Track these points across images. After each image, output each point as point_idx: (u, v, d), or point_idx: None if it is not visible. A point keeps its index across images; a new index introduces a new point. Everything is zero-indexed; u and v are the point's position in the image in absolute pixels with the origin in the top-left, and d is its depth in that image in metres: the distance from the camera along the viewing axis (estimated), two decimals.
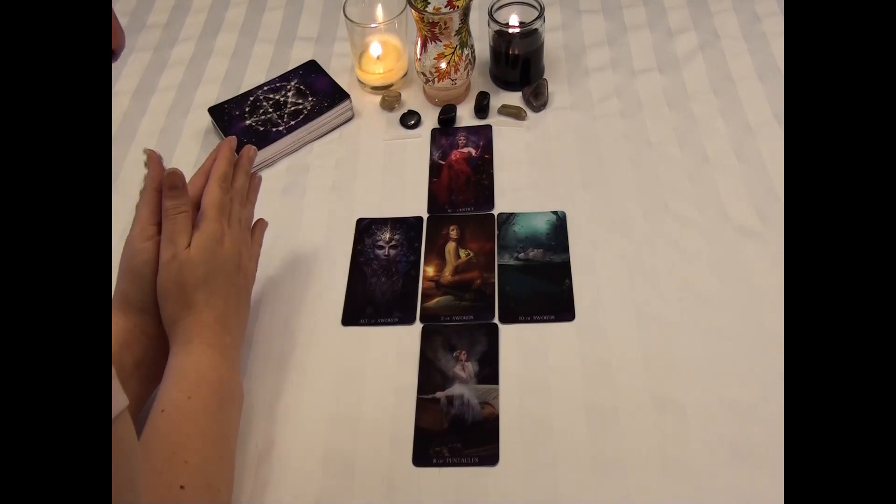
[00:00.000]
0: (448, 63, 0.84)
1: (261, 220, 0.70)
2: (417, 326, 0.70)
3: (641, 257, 0.73)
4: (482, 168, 0.82)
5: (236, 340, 0.61)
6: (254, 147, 0.69)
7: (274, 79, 0.92)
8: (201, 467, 0.52)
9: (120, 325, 0.58)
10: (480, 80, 0.92)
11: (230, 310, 0.61)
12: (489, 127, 0.87)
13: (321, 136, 0.88)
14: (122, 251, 0.60)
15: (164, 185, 0.59)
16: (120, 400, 0.34)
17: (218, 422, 0.56)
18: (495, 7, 0.88)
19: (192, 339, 0.57)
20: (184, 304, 0.58)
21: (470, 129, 0.87)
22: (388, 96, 0.90)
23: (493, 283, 0.72)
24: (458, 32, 0.82)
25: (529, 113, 0.88)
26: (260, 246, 0.69)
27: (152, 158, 0.60)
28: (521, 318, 0.69)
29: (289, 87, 0.90)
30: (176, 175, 0.59)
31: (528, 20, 0.85)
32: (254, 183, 0.69)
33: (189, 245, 0.59)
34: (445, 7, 0.82)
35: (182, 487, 0.50)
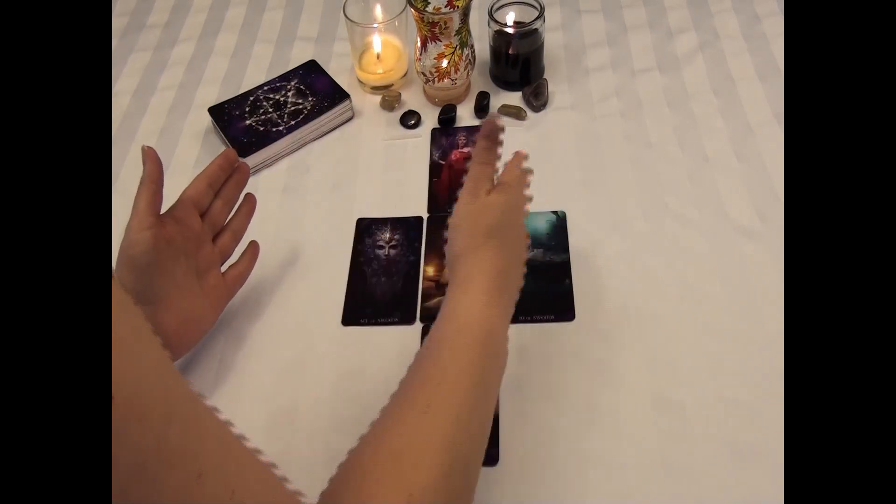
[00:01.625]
0: (448, 63, 0.84)
1: (253, 243, 0.71)
2: (417, 326, 0.70)
3: (641, 257, 0.73)
4: None
5: (510, 305, 0.58)
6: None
7: (274, 79, 0.92)
8: (452, 394, 0.49)
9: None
10: (480, 80, 0.92)
11: (511, 269, 0.59)
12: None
13: (321, 136, 0.88)
14: (120, 242, 0.60)
15: (484, 129, 0.60)
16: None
17: (480, 367, 0.52)
18: (495, 7, 0.88)
19: (470, 284, 0.55)
20: (471, 245, 0.57)
21: (470, 129, 0.87)
22: (388, 96, 0.90)
23: None
24: (458, 32, 0.82)
25: (529, 113, 0.88)
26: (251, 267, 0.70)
27: (149, 155, 0.61)
28: (521, 318, 0.69)
29: (289, 87, 0.90)
30: (498, 124, 0.60)
31: (527, 20, 0.85)
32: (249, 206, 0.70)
33: (490, 193, 0.59)
34: (445, 7, 0.82)
35: (427, 406, 0.48)
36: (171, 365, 0.37)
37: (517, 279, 0.60)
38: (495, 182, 0.61)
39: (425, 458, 0.45)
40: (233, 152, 0.68)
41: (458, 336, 0.53)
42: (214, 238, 0.67)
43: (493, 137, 0.60)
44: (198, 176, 0.66)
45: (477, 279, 0.56)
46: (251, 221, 0.70)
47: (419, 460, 0.45)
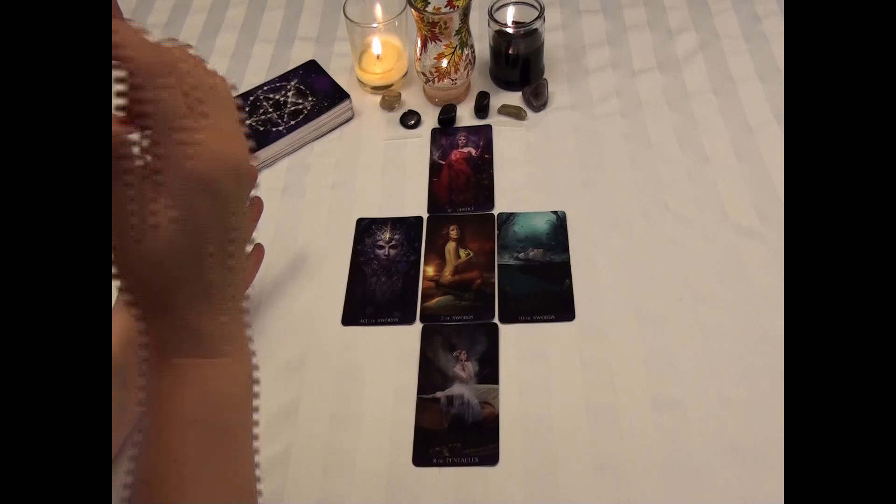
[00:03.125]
0: (448, 63, 0.84)
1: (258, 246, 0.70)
2: (417, 326, 0.70)
3: (641, 257, 0.73)
4: (482, 168, 0.82)
5: (236, 304, 0.46)
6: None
7: (274, 79, 0.92)
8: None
9: (123, 323, 0.58)
10: (480, 80, 0.92)
11: (183, 315, 0.41)
12: (489, 127, 0.87)
13: (321, 136, 0.88)
14: None
15: None
16: None
17: (225, 459, 0.41)
18: (495, 7, 0.88)
19: (155, 374, 0.40)
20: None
21: (470, 129, 0.87)
22: (388, 96, 0.90)
23: (493, 282, 0.72)
24: (458, 32, 0.82)
25: (529, 113, 0.88)
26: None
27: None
28: (521, 317, 0.69)
29: (289, 87, 0.90)
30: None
31: (528, 20, 0.85)
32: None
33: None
34: (445, 7, 0.82)
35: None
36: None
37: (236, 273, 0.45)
38: None
39: None
40: None
41: (183, 466, 0.39)
42: None
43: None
44: None
45: (158, 366, 0.40)
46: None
47: None
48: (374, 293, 0.73)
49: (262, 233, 0.71)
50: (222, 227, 0.39)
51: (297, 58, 0.96)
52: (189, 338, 0.40)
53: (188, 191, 0.37)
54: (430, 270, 0.74)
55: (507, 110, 0.88)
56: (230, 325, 0.44)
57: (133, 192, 0.36)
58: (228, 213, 0.39)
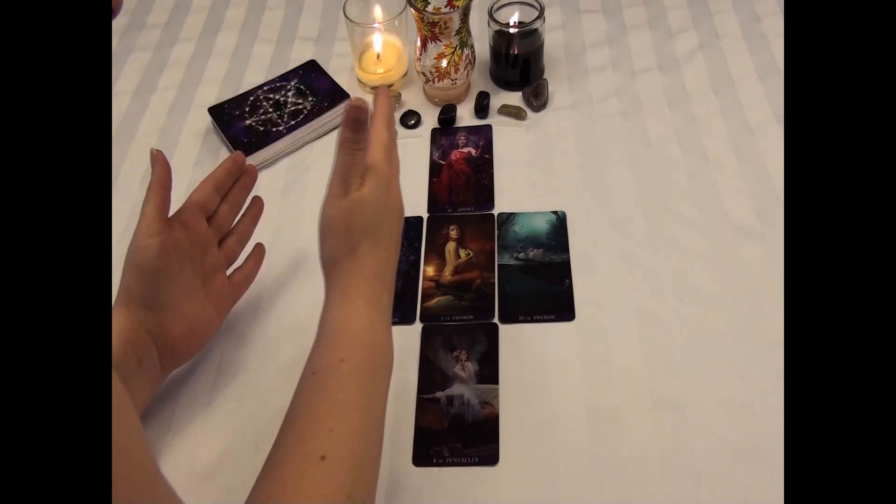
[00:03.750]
0: (448, 63, 0.84)
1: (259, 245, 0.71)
2: (417, 326, 0.70)
3: (641, 257, 0.73)
4: (482, 168, 0.82)
5: (391, 300, 0.56)
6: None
7: (274, 79, 0.92)
8: (347, 438, 0.47)
9: (123, 322, 0.58)
10: (480, 80, 0.92)
11: (391, 263, 0.56)
12: (489, 127, 0.87)
13: (321, 136, 0.88)
14: (127, 247, 0.60)
15: (347, 116, 0.54)
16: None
17: (369, 390, 0.51)
18: (495, 7, 0.88)
19: (351, 293, 0.53)
20: (347, 247, 0.54)
21: (470, 129, 0.87)
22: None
23: (493, 282, 0.72)
24: (458, 32, 0.82)
25: (529, 113, 0.88)
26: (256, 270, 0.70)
27: (157, 158, 0.60)
28: (521, 317, 0.69)
29: (289, 86, 0.90)
30: (361, 109, 0.54)
31: (528, 20, 0.85)
32: (257, 208, 0.70)
33: (362, 185, 0.55)
34: (445, 7, 0.82)
35: (323, 458, 0.46)
36: (151, 463, 0.37)
37: (395, 258, 0.57)
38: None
39: None
40: (241, 156, 0.68)
41: (344, 364, 0.51)
42: (220, 241, 0.67)
43: (360, 122, 0.54)
44: (205, 179, 0.65)
45: (357, 289, 0.54)
46: None
47: None
48: None
49: (262, 233, 0.71)
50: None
51: (297, 58, 0.96)
52: (366, 283, 0.54)
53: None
54: (430, 270, 0.74)
55: (507, 110, 0.88)
56: (388, 296, 0.56)
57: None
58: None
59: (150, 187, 0.60)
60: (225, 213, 0.67)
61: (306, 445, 0.47)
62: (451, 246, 0.76)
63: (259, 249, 0.70)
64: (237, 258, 0.68)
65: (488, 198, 0.80)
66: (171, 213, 0.61)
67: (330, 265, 0.55)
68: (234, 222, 0.68)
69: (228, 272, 0.67)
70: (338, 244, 0.55)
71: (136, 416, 0.37)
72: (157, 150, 0.61)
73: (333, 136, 0.88)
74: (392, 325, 0.69)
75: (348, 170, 0.55)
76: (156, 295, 0.59)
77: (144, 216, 0.59)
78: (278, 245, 0.76)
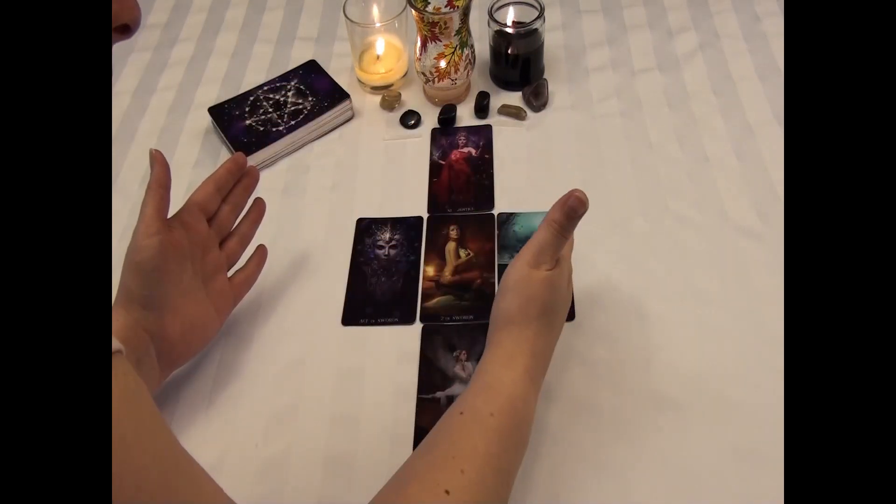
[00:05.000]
0: (448, 63, 0.84)
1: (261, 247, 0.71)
2: (417, 326, 0.70)
3: (641, 257, 0.73)
4: (482, 168, 0.82)
5: (542, 382, 0.58)
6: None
7: (274, 79, 0.92)
8: (475, 486, 0.49)
9: (122, 322, 0.58)
10: (480, 80, 0.92)
11: (552, 350, 0.59)
12: (489, 127, 0.87)
13: (321, 136, 0.88)
14: (126, 247, 0.60)
15: (568, 206, 0.56)
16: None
17: (508, 454, 0.52)
18: (495, 7, 0.88)
19: (517, 358, 0.55)
20: (524, 314, 0.56)
21: (470, 129, 0.87)
22: (388, 96, 0.90)
23: (493, 283, 0.72)
24: (458, 32, 0.82)
25: (529, 113, 0.88)
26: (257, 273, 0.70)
27: (157, 158, 0.60)
28: None
29: (289, 87, 0.90)
30: (583, 203, 0.57)
31: (527, 20, 0.85)
32: (258, 209, 0.70)
33: (553, 268, 0.58)
34: (445, 7, 0.82)
35: (447, 493, 0.47)
36: (168, 442, 0.37)
37: (554, 347, 0.60)
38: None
39: None
40: (242, 156, 0.68)
41: (493, 419, 0.52)
42: (221, 243, 0.67)
43: (576, 213, 0.57)
44: (206, 180, 0.65)
45: (523, 356, 0.55)
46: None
47: None
48: (374, 293, 0.73)
49: (262, 233, 0.71)
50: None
51: (297, 58, 0.96)
52: (532, 356, 0.56)
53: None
54: (430, 270, 0.74)
55: (507, 110, 0.88)
56: (543, 378, 0.58)
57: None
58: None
59: (149, 187, 0.60)
60: (226, 214, 0.67)
61: (436, 475, 0.48)
62: (451, 246, 0.76)
63: (261, 251, 0.70)
64: (238, 259, 0.68)
65: (488, 198, 0.80)
66: (171, 214, 0.61)
67: (503, 321, 0.57)
68: (236, 223, 0.68)
69: (230, 273, 0.67)
70: (518, 306, 0.56)
71: (151, 404, 0.37)
72: (156, 150, 0.61)
73: (333, 136, 0.88)
74: (392, 324, 0.70)
75: (547, 248, 0.57)
76: (155, 294, 0.59)
77: (143, 216, 0.59)
78: (278, 245, 0.76)
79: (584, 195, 0.57)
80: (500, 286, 0.58)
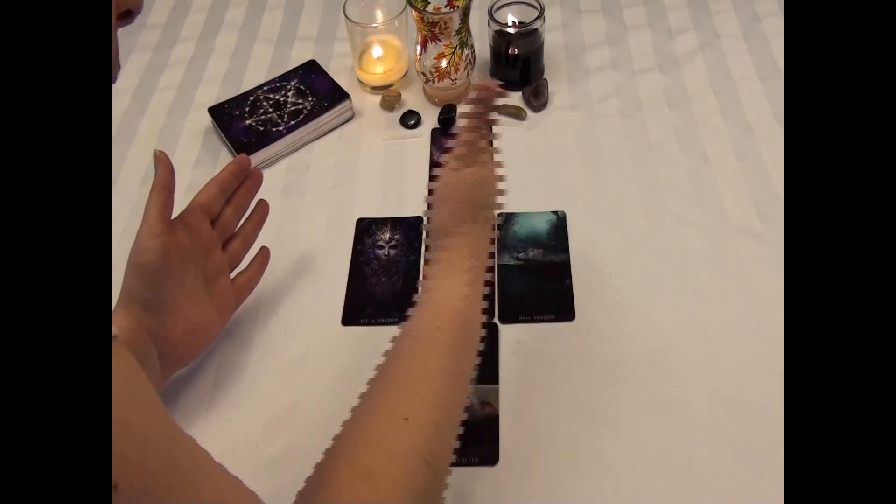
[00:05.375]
0: (448, 63, 0.84)
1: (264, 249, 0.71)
2: None
3: (641, 257, 0.73)
4: None
5: (486, 281, 0.57)
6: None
7: (274, 79, 0.92)
8: (432, 406, 0.48)
9: (124, 323, 0.58)
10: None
11: (490, 246, 0.58)
12: (489, 127, 0.86)
13: (321, 136, 0.88)
14: (130, 248, 0.60)
15: (480, 96, 0.56)
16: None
17: (461, 363, 0.52)
18: (495, 7, 0.88)
19: (457, 265, 0.55)
20: (458, 219, 0.56)
21: None
22: (388, 96, 0.90)
23: (493, 282, 0.72)
24: (458, 32, 0.82)
25: (529, 113, 0.88)
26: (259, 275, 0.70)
27: (161, 159, 0.60)
28: (520, 317, 0.69)
29: (289, 87, 0.90)
30: (494, 91, 0.56)
31: (528, 20, 0.85)
32: (261, 212, 0.70)
33: (480, 166, 0.57)
34: (445, 7, 0.82)
35: (405, 419, 0.46)
36: (169, 424, 0.37)
37: (492, 242, 0.59)
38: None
39: (403, 474, 0.45)
40: (246, 158, 0.68)
41: (442, 334, 0.52)
42: (224, 244, 0.67)
43: (489, 101, 0.57)
44: (210, 182, 0.65)
45: (463, 262, 0.55)
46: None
47: (397, 476, 0.44)
48: (374, 293, 0.73)
49: (263, 233, 0.71)
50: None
51: (297, 58, 0.96)
52: (472, 259, 0.55)
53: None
54: None
55: (507, 110, 0.88)
56: (486, 277, 0.57)
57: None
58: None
59: (152, 189, 0.60)
60: (229, 215, 0.66)
61: (391, 403, 0.48)
62: None
63: (263, 253, 0.70)
64: (241, 261, 0.68)
65: None
66: (174, 215, 0.61)
67: (439, 232, 0.57)
68: (239, 225, 0.68)
69: (232, 275, 0.67)
70: (451, 213, 0.56)
71: (150, 388, 0.37)
72: (160, 151, 0.61)
73: (333, 136, 0.88)
74: (392, 324, 0.70)
75: (470, 146, 0.57)
76: (157, 296, 0.59)
77: (147, 217, 0.59)
78: (278, 245, 0.76)
79: (492, 83, 0.57)
80: (432, 198, 0.57)
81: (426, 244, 0.58)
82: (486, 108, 0.57)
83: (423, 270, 0.56)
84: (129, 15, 0.40)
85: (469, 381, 0.53)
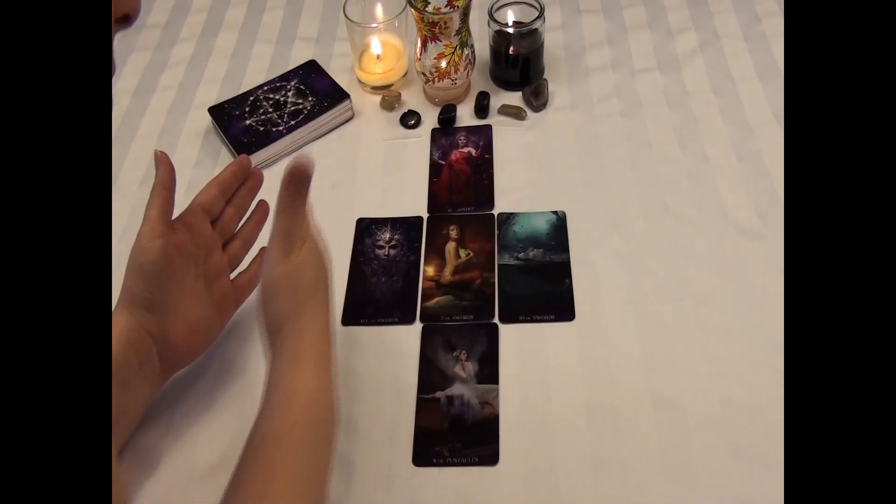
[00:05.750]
0: (448, 63, 0.84)
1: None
2: (417, 326, 0.70)
3: (641, 257, 0.73)
4: (482, 168, 0.82)
5: (334, 355, 0.57)
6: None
7: (274, 79, 0.92)
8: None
9: (124, 324, 0.58)
10: (480, 80, 0.92)
11: (330, 319, 0.58)
12: (489, 127, 0.87)
13: (321, 136, 0.88)
14: (130, 249, 0.59)
15: (289, 181, 0.54)
16: None
17: (319, 452, 0.52)
18: (495, 7, 0.88)
19: (302, 353, 0.54)
20: (294, 308, 0.55)
21: (470, 129, 0.87)
22: (388, 96, 0.90)
23: (493, 282, 0.72)
24: (458, 32, 0.82)
25: (529, 113, 0.88)
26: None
27: (161, 159, 0.60)
28: (520, 317, 0.69)
29: (289, 87, 0.90)
30: (303, 173, 0.54)
31: (527, 20, 0.85)
32: (262, 212, 0.70)
33: (302, 247, 0.56)
34: (445, 7, 0.82)
35: None
36: None
37: (331, 314, 0.58)
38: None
39: None
40: (247, 159, 0.67)
41: (297, 428, 0.51)
42: (225, 245, 0.67)
43: (303, 183, 0.54)
44: (210, 182, 0.65)
45: (310, 347, 0.54)
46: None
47: None
48: (374, 293, 0.73)
49: (262, 233, 0.71)
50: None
51: (297, 58, 0.96)
52: (316, 341, 0.55)
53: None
54: (430, 270, 0.74)
55: (507, 110, 0.88)
56: (333, 352, 0.57)
57: None
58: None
59: (153, 189, 0.60)
60: (230, 216, 0.66)
61: None
62: (451, 246, 0.76)
63: (263, 253, 0.70)
64: (241, 262, 0.68)
65: (488, 198, 0.80)
66: (175, 215, 0.61)
67: (276, 327, 0.55)
68: (239, 226, 0.68)
69: (232, 276, 0.67)
70: (285, 305, 0.55)
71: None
72: (161, 151, 0.60)
73: (333, 136, 0.88)
74: (392, 324, 0.70)
75: (291, 232, 0.56)
76: (158, 297, 0.59)
77: (147, 218, 0.59)
78: None
79: (305, 158, 0.54)
80: (261, 295, 0.56)
81: (262, 336, 0.57)
82: (298, 189, 0.55)
83: (268, 364, 0.55)
84: (127, 20, 0.40)
85: (330, 458, 0.53)
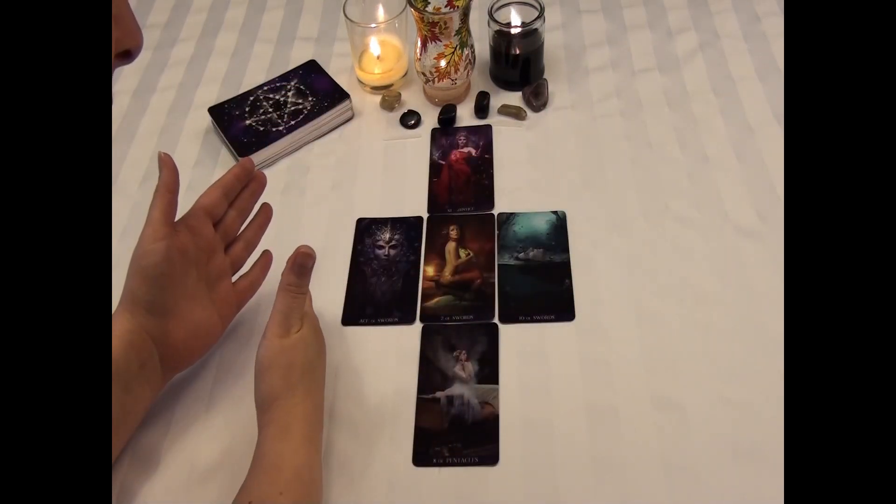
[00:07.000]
0: (448, 63, 0.84)
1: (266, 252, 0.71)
2: (417, 326, 0.70)
3: (641, 257, 0.73)
4: (482, 168, 0.82)
5: (322, 437, 0.60)
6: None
7: (274, 79, 0.92)
8: None
9: (125, 325, 0.58)
10: (480, 80, 0.92)
11: (322, 402, 0.60)
12: (489, 127, 0.87)
13: (321, 136, 0.88)
14: (130, 250, 0.59)
15: (294, 263, 0.59)
16: None
17: None
18: (495, 7, 0.88)
19: (291, 428, 0.56)
20: (287, 384, 0.57)
21: (470, 129, 0.87)
22: (388, 96, 0.90)
23: (493, 282, 0.72)
24: (458, 32, 0.82)
25: (529, 113, 0.88)
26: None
27: (165, 162, 0.60)
28: (520, 317, 0.69)
29: (289, 87, 0.90)
30: (308, 256, 0.59)
31: (528, 20, 0.85)
32: (265, 215, 0.70)
33: (301, 327, 0.59)
34: (445, 7, 0.82)
35: None
36: None
37: (323, 398, 0.61)
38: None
39: None
40: (250, 161, 0.67)
41: (283, 498, 0.52)
42: (227, 248, 0.67)
43: (306, 268, 0.59)
44: (213, 184, 0.65)
45: (298, 424, 0.56)
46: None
47: None
48: (374, 293, 0.73)
49: (265, 236, 0.71)
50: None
51: (297, 58, 0.96)
52: (305, 420, 0.56)
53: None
54: (430, 270, 0.74)
55: (507, 110, 0.88)
56: (322, 434, 0.60)
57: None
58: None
59: (156, 191, 0.59)
60: (232, 219, 0.66)
61: None
62: (451, 246, 0.76)
63: (266, 256, 0.70)
64: (243, 265, 0.68)
65: (488, 198, 0.80)
66: (177, 218, 0.61)
67: (269, 401, 0.57)
68: (242, 229, 0.68)
69: (234, 279, 0.67)
70: (279, 381, 0.57)
71: None
72: (165, 153, 0.60)
73: (333, 136, 0.88)
74: (392, 324, 0.70)
75: (290, 312, 0.59)
76: (160, 299, 0.59)
77: (150, 220, 0.59)
78: (278, 246, 0.76)
79: (308, 248, 0.59)
80: (256, 367, 0.58)
81: (256, 409, 0.58)
82: (301, 274, 0.59)
83: (259, 435, 0.57)
84: (128, 55, 0.41)
85: None
